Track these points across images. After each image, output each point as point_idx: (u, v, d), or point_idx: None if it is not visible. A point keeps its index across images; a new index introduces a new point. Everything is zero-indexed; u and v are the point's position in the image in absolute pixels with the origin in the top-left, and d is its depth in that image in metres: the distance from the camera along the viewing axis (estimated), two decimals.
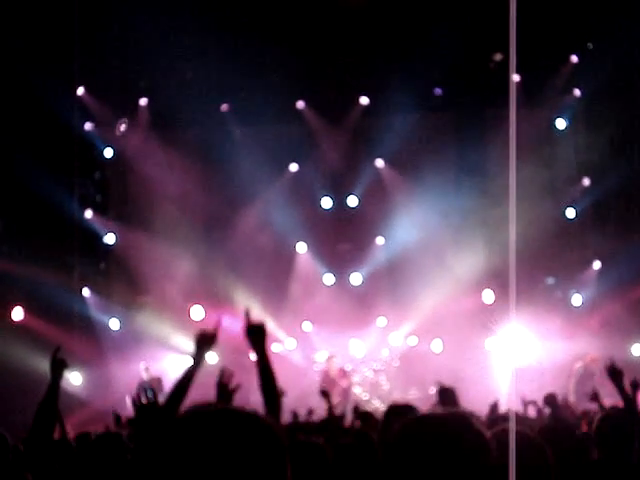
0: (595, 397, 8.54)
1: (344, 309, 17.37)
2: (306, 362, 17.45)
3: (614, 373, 6.48)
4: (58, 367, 5.31)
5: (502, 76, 16.85)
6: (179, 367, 17.93)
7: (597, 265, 17.68)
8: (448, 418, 2.57)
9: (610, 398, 9.77)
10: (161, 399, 15.32)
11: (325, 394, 8.20)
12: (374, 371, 17.13)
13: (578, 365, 15.27)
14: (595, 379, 14.30)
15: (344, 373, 15.84)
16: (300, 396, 14.07)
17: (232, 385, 4.95)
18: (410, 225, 17.37)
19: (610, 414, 5.96)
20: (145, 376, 15.51)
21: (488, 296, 17.39)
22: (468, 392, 15.40)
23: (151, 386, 15.35)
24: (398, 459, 2.50)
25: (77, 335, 17.07)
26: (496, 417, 7.57)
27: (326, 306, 17.34)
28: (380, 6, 17.17)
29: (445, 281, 16.61)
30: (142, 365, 15.73)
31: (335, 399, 15.08)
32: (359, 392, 16.30)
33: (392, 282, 17.72)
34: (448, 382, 16.70)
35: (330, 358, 15.95)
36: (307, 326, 17.78)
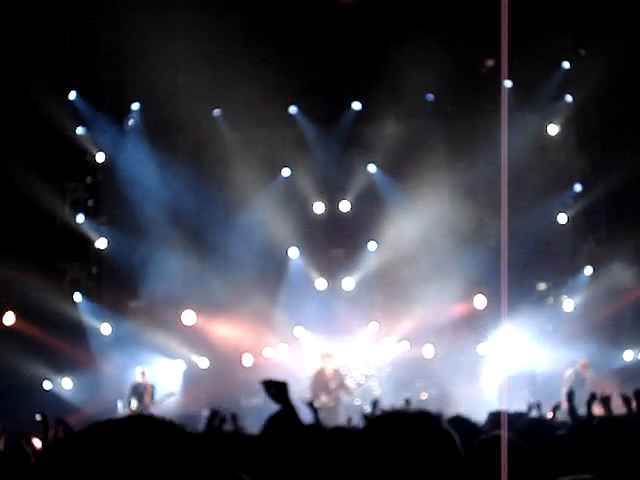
0: (605, 401, 8.55)
1: (336, 314, 17.36)
2: (298, 367, 17.41)
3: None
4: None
5: (494, 82, 16.90)
6: (170, 372, 17.91)
7: (589, 270, 17.71)
8: (414, 416, 2.57)
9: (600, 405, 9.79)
10: (150, 407, 15.25)
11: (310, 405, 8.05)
12: (366, 376, 17.11)
13: (569, 372, 15.29)
14: (586, 386, 14.32)
15: (336, 374, 15.69)
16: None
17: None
18: (402, 230, 17.36)
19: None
20: (140, 380, 15.45)
21: (480, 301, 17.40)
22: (460, 397, 15.47)
23: (144, 390, 15.34)
24: (365, 455, 2.51)
25: (68, 340, 17.02)
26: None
27: (318, 311, 17.31)
28: (372, 12, 17.20)
29: (437, 286, 16.60)
30: (138, 369, 15.66)
31: (325, 400, 15.07)
32: (350, 397, 16.23)
33: (384, 287, 17.71)
34: (440, 387, 16.64)
35: (325, 356, 15.83)
36: (299, 331, 17.76)
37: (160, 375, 16.85)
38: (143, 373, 15.56)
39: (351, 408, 15.96)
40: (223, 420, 6.38)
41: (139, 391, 15.31)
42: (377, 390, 17.20)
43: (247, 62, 16.85)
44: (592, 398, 8.51)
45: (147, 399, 15.16)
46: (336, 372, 15.66)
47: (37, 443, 9.47)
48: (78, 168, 18.22)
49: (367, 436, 2.54)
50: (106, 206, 18.66)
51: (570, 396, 8.42)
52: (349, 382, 16.17)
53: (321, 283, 18.34)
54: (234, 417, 7.43)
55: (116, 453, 1.98)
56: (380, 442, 2.47)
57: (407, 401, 10.14)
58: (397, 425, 2.51)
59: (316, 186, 18.49)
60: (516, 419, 5.84)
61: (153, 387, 15.45)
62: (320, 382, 15.35)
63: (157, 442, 2.01)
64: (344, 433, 5.98)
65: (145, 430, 2.03)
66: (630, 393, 8.52)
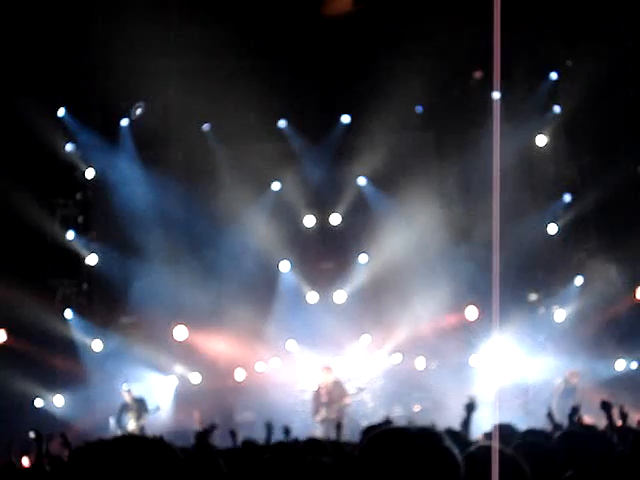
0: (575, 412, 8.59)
1: (328, 327, 17.32)
2: (291, 381, 17.38)
3: (606, 406, 7.71)
4: None
5: (482, 94, 16.96)
6: (162, 387, 17.81)
7: (579, 280, 17.74)
8: (416, 433, 2.56)
9: (591, 414, 9.82)
10: (142, 421, 15.18)
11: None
12: (358, 389, 17.07)
13: (559, 381, 15.30)
14: (576, 394, 14.33)
15: (336, 386, 15.59)
16: (284, 415, 14.00)
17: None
18: (393, 243, 17.38)
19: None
20: (127, 398, 15.36)
21: (471, 313, 17.41)
22: (452, 409, 15.44)
23: (131, 407, 15.24)
24: (366, 471, 2.50)
25: (60, 357, 16.95)
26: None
27: (310, 325, 17.29)
28: (361, 26, 17.25)
29: (428, 298, 16.61)
30: (124, 387, 15.59)
31: (325, 414, 15.04)
32: (349, 409, 16.17)
33: (375, 300, 17.71)
34: (432, 399, 16.55)
35: (324, 369, 15.76)
36: (291, 345, 17.73)
37: (152, 391, 16.78)
38: (129, 391, 15.45)
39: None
40: (206, 432, 6.38)
41: (127, 409, 15.22)
42: (370, 403, 17.18)
43: (236, 76, 16.89)
44: (575, 411, 8.51)
45: (136, 416, 15.07)
46: (336, 384, 15.62)
47: (26, 461, 9.45)
48: (68, 184, 18.17)
49: (368, 454, 2.52)
50: (96, 222, 18.60)
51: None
52: (349, 394, 16.07)
53: (312, 296, 18.33)
54: (233, 433, 7.36)
55: (106, 474, 1.98)
56: (381, 461, 2.47)
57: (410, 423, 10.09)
58: (398, 443, 2.50)
59: (306, 199, 18.51)
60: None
61: (142, 402, 15.33)
62: (321, 396, 15.34)
63: (147, 461, 2.01)
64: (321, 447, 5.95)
65: (134, 450, 2.03)
66: (623, 402, 8.52)
